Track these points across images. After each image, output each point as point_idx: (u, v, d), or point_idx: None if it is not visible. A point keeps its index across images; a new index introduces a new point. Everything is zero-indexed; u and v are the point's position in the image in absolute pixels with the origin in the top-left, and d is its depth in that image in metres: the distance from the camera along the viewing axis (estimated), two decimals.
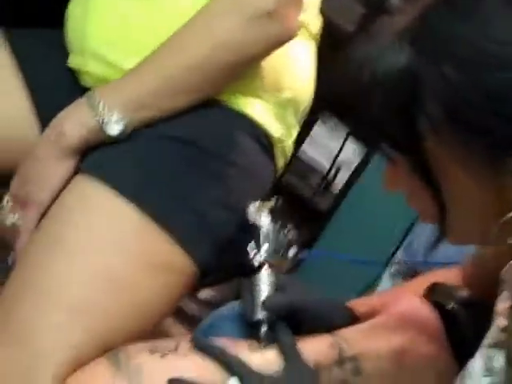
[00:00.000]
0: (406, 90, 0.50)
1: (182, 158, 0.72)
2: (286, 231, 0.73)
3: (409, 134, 0.51)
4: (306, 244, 1.62)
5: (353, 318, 0.69)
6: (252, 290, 0.67)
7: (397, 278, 1.53)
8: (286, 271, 0.73)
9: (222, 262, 0.75)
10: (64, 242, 0.67)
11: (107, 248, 0.67)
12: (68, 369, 0.62)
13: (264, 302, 0.65)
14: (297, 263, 1.35)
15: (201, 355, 0.61)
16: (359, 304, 0.72)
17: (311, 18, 0.82)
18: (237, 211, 0.73)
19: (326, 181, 2.04)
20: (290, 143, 0.84)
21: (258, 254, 0.69)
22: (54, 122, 0.73)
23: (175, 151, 0.72)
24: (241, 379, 0.59)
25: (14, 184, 0.74)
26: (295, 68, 0.81)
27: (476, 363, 0.51)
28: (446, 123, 0.49)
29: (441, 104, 0.49)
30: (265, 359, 0.62)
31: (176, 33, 0.72)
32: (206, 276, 0.74)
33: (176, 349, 0.62)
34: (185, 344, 0.63)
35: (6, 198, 0.75)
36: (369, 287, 1.54)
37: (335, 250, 1.63)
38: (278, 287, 0.67)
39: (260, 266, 0.68)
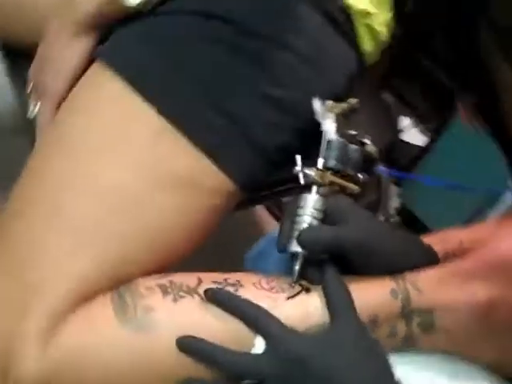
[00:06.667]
0: None
1: (217, 40, 0.55)
2: (360, 143, 0.56)
3: None
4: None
5: (430, 260, 0.53)
6: (293, 214, 0.53)
7: None
8: (357, 195, 0.56)
9: (271, 177, 0.60)
10: (67, 145, 0.55)
11: (119, 159, 0.54)
12: (70, 303, 0.50)
13: (299, 234, 0.51)
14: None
15: (221, 303, 0.50)
16: (438, 239, 0.56)
17: None
18: (292, 113, 0.57)
19: None
20: (382, 19, 0.61)
21: (308, 168, 0.53)
22: None
23: (207, 31, 0.56)
24: (267, 339, 0.47)
25: (32, 70, 0.62)
26: None
27: None
28: None
29: None
30: (304, 309, 0.50)
31: None
32: (249, 192, 0.59)
33: (195, 289, 0.50)
34: (206, 284, 0.51)
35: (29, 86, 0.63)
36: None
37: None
38: (331, 216, 0.52)
39: (310, 186, 0.53)
